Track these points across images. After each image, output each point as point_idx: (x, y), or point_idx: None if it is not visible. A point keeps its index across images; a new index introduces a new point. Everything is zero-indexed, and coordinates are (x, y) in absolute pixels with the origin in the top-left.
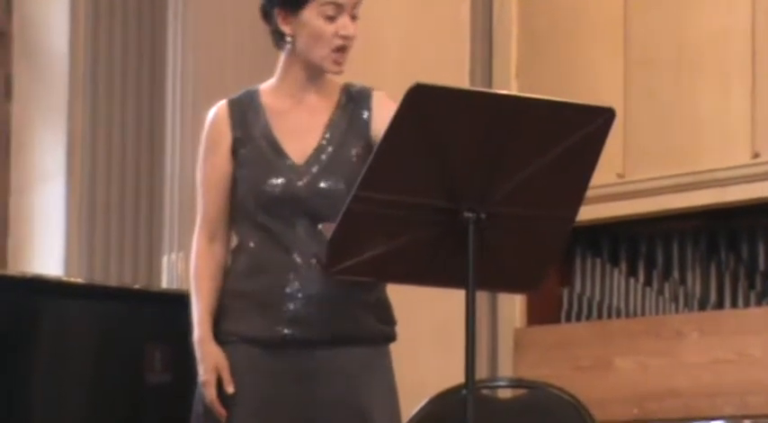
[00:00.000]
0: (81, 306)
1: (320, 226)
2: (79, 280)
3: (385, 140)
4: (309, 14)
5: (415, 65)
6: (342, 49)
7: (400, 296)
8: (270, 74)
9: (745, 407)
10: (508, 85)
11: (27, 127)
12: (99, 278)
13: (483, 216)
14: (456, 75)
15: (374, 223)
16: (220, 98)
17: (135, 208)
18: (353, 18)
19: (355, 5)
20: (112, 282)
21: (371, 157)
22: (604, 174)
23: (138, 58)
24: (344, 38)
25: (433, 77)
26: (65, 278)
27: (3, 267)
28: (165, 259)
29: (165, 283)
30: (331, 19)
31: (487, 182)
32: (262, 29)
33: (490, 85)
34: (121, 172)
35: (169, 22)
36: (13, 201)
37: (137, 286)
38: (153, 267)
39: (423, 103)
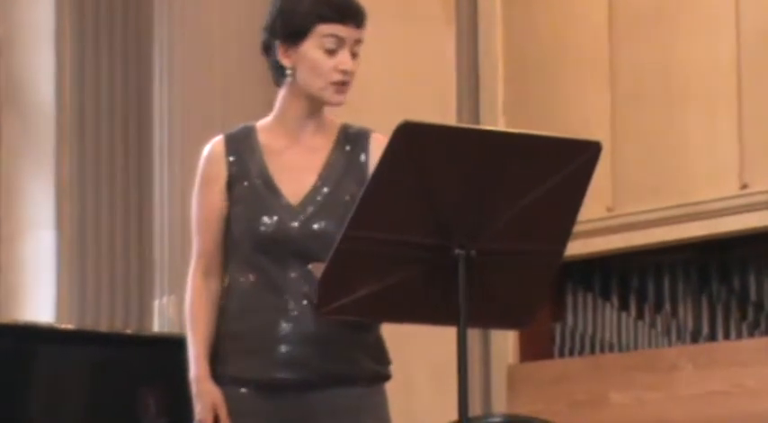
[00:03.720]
0: (73, 352)
1: (310, 266)
2: (71, 326)
3: (374, 179)
4: (310, 47)
5: (401, 102)
6: (341, 84)
7: (393, 334)
8: (257, 112)
9: None
10: (495, 121)
11: (15, 176)
12: (90, 324)
13: (473, 253)
14: (443, 112)
15: (364, 262)
16: (207, 142)
17: (125, 253)
18: (354, 55)
19: (356, 42)
20: (104, 327)
21: (360, 195)
22: (594, 208)
23: (125, 107)
24: (343, 73)
25: (419, 115)
26: (56, 325)
27: None
28: (156, 303)
29: (157, 327)
30: (331, 52)
31: (477, 218)
32: (248, 70)
33: (477, 122)
34: (111, 218)
35: (155, 72)
36: (4, 249)
37: (128, 331)
38: (144, 312)
39: (411, 140)
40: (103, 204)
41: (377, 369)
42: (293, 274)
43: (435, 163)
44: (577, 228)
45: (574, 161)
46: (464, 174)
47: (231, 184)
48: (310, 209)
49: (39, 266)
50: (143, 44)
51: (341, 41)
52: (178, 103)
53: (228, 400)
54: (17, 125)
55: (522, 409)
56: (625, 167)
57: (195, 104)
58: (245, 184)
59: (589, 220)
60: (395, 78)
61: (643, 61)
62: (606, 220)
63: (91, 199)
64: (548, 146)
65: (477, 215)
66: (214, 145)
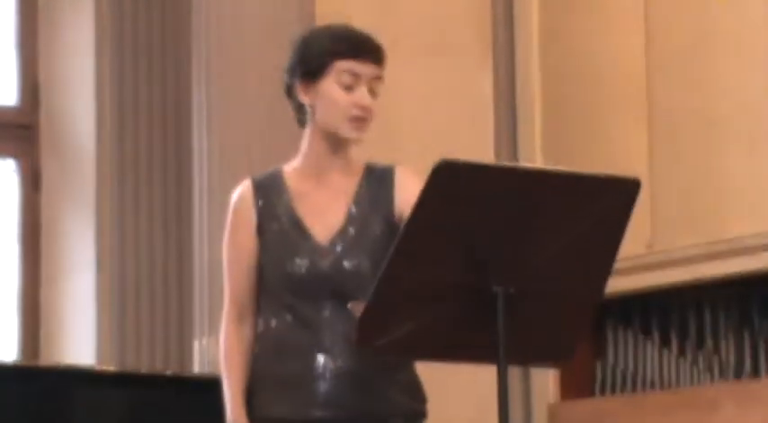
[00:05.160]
0: (114, 394)
1: (349, 305)
2: (111, 368)
3: (412, 218)
4: (327, 83)
5: (439, 140)
6: (359, 120)
7: (434, 371)
8: (294, 152)
9: None
10: (534, 157)
11: (56, 218)
12: (131, 366)
13: (512, 291)
14: (481, 149)
15: (404, 300)
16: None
17: (165, 294)
18: (373, 93)
19: (374, 79)
20: (144, 369)
21: (399, 234)
22: (633, 244)
23: (164, 149)
24: (361, 108)
25: (457, 152)
26: (97, 367)
27: (35, 357)
28: (196, 344)
29: (198, 367)
30: (349, 89)
31: (516, 255)
32: (285, 111)
33: (515, 159)
34: (150, 259)
35: (193, 114)
36: (44, 291)
37: (169, 372)
38: (184, 353)
39: (449, 179)
40: (143, 246)
41: (413, 406)
42: (327, 313)
43: (474, 201)
44: (617, 264)
45: (612, 198)
46: (502, 211)
47: (261, 229)
48: (340, 248)
49: (79, 308)
50: (182, 88)
51: (358, 78)
52: (217, 143)
53: None
54: (58, 168)
55: None
56: (664, 203)
57: (235, 145)
58: (275, 227)
59: (628, 257)
60: (432, 115)
61: (681, 97)
62: (646, 257)
63: (131, 241)
64: (586, 183)
65: (515, 252)
66: (242, 190)
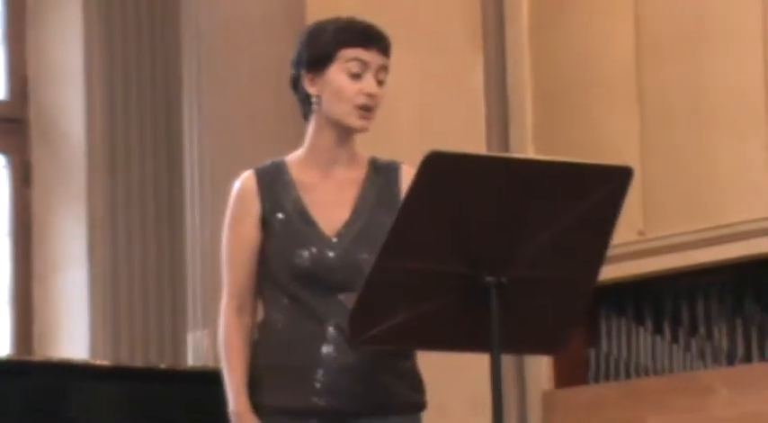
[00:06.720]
0: (109, 388)
1: (341, 296)
2: (105, 362)
3: (404, 209)
4: (334, 72)
5: (430, 132)
6: (366, 108)
7: (428, 361)
8: (287, 147)
9: None
10: (525, 148)
11: (47, 213)
12: (125, 360)
13: (504, 280)
14: (472, 140)
15: (396, 291)
16: (238, 175)
17: (157, 288)
18: (380, 83)
19: (381, 68)
20: (139, 362)
21: (391, 225)
22: (625, 232)
23: (155, 141)
24: (368, 96)
25: (449, 144)
26: (91, 361)
27: (29, 353)
28: (189, 337)
29: (191, 360)
30: (356, 77)
31: (507, 246)
32: (277, 105)
33: (507, 150)
34: (142, 253)
35: (184, 107)
36: (37, 287)
37: (163, 366)
38: (178, 346)
39: (439, 170)
40: (135, 240)
41: (414, 398)
42: (333, 305)
43: (464, 192)
44: (609, 252)
45: (605, 187)
46: (494, 202)
47: (265, 219)
48: (347, 240)
49: (72, 303)
50: (172, 79)
51: (365, 65)
52: (208, 136)
53: None
54: (48, 162)
55: None
56: (655, 191)
57: (225, 138)
58: (280, 216)
59: (621, 245)
60: (424, 108)
61: (671, 84)
62: (638, 244)
63: (123, 235)
64: (578, 172)
65: (507, 242)
66: (245, 180)
